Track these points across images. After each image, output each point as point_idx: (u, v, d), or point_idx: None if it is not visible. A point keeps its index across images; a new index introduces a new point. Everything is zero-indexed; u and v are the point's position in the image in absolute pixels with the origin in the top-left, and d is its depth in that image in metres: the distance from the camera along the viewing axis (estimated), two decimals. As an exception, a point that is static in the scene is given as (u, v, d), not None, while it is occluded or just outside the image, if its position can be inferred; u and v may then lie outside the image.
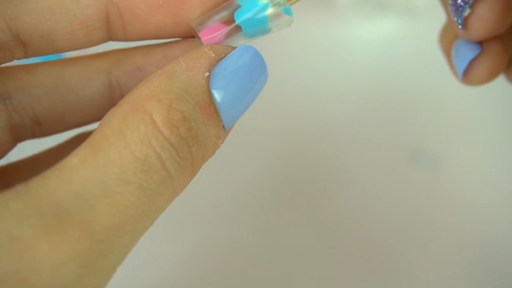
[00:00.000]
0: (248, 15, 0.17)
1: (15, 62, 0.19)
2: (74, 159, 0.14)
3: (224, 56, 0.17)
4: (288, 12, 0.17)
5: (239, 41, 0.18)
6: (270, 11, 0.17)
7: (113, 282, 0.15)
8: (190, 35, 0.19)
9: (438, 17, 0.47)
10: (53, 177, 0.14)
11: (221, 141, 0.17)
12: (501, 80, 0.43)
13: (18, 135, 0.20)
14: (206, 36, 0.17)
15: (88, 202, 0.14)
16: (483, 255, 0.33)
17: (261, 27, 0.17)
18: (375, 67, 0.44)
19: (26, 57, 0.19)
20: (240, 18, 0.17)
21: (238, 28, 0.17)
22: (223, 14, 0.17)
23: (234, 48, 0.17)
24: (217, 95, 0.16)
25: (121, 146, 0.14)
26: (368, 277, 0.33)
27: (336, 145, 0.39)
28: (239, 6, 0.17)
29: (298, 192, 0.37)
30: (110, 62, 0.20)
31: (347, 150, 0.39)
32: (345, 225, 0.35)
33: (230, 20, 0.17)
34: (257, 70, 0.17)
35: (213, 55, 0.16)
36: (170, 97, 0.15)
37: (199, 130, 0.16)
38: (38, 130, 0.20)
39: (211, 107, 0.16)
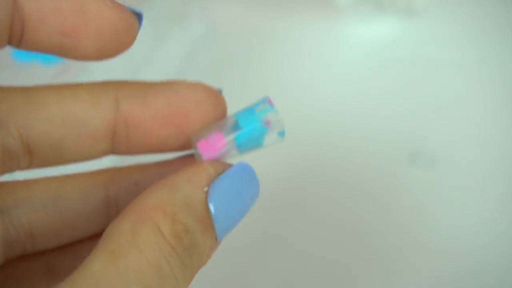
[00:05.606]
0: (247, 139, 0.19)
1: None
2: (95, 265, 0.15)
3: (222, 172, 0.18)
4: (282, 134, 0.19)
5: (233, 157, 0.19)
6: (267, 136, 0.19)
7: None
8: (189, 148, 0.20)
9: (438, 17, 0.47)
10: (81, 283, 0.14)
11: (213, 252, 0.18)
12: (501, 80, 0.43)
13: (7, 251, 0.19)
14: (205, 152, 0.18)
15: None
16: (483, 255, 0.33)
17: (255, 147, 0.19)
18: (374, 67, 0.44)
19: (29, 168, 0.19)
20: (240, 141, 0.19)
21: (235, 147, 0.19)
22: (223, 130, 0.19)
23: (231, 165, 0.18)
24: (213, 209, 0.17)
25: (136, 254, 0.15)
26: (368, 276, 0.33)
27: (335, 145, 0.39)
28: (239, 127, 0.18)
29: (297, 191, 0.37)
30: (107, 178, 0.20)
31: (347, 150, 0.39)
32: (344, 225, 0.35)
33: (227, 135, 0.19)
34: (250, 186, 0.18)
35: (212, 171, 0.18)
36: (174, 209, 0.16)
37: (198, 241, 0.17)
38: (30, 245, 0.20)
39: (208, 220, 0.17)
